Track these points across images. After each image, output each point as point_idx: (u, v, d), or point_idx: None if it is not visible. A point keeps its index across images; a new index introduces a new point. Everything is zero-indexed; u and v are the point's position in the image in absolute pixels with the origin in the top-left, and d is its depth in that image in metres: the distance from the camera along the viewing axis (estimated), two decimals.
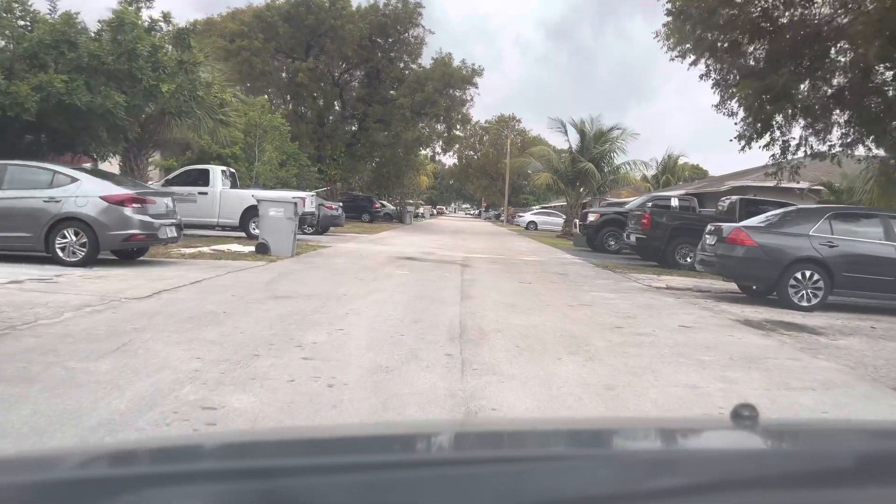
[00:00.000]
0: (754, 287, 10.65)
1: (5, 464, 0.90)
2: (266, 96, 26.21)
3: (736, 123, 14.06)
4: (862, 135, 13.53)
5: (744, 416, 1.03)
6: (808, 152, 14.56)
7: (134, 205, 9.54)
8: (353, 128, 34.49)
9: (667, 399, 4.42)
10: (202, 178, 17.78)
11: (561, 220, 44.37)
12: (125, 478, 0.83)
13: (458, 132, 37.44)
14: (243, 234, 17.10)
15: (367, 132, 33.53)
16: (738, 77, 12.99)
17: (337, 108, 35.02)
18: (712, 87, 14.55)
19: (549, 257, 18.43)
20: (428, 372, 4.73)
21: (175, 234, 10.48)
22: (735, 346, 6.41)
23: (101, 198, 9.39)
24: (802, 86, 11.97)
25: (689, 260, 16.28)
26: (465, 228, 41.08)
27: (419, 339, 5.84)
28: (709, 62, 13.42)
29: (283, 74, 30.33)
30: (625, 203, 34.85)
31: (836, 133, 13.57)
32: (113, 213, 9.40)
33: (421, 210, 63.76)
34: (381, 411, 3.82)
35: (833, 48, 12.38)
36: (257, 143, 25.30)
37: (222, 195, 17.46)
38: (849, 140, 13.87)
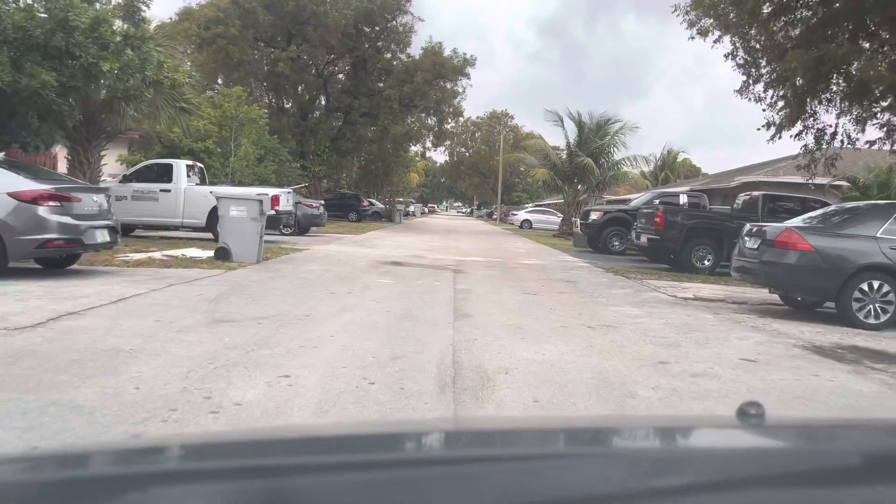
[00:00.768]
0: (799, 298, 8.99)
1: (9, 463, 0.91)
2: (241, 87, 24.26)
3: (764, 110, 12.40)
4: None
5: (750, 414, 1.03)
6: (846, 142, 12.89)
7: (51, 203, 7.74)
8: (339, 122, 32.60)
9: None
10: (165, 174, 15.93)
11: (557, 219, 42.78)
12: (130, 476, 0.82)
13: (449, 126, 35.61)
14: (210, 236, 15.30)
15: (353, 126, 31.63)
16: (772, 53, 11.29)
17: (322, 101, 33.13)
18: (737, 68, 12.84)
19: (550, 260, 16.73)
20: None
21: (109, 239, 8.69)
22: (834, 395, 4.70)
23: (10, 195, 7.59)
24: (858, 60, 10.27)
25: (706, 263, 14.67)
26: (458, 227, 39.34)
27: (395, 392, 4.11)
28: (735, 39, 11.73)
29: (264, 65, 28.32)
30: (625, 200, 33.27)
31: (883, 117, 11.86)
32: (24, 214, 7.60)
33: (411, 208, 61.97)
34: None
35: None
36: (233, 136, 23.47)
37: (187, 193, 15.63)
38: None
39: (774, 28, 10.94)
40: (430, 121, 33.77)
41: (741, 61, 12.05)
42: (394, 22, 30.42)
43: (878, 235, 7.79)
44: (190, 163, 16.65)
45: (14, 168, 8.09)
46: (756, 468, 0.88)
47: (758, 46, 11.69)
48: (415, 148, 42.09)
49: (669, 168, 46.28)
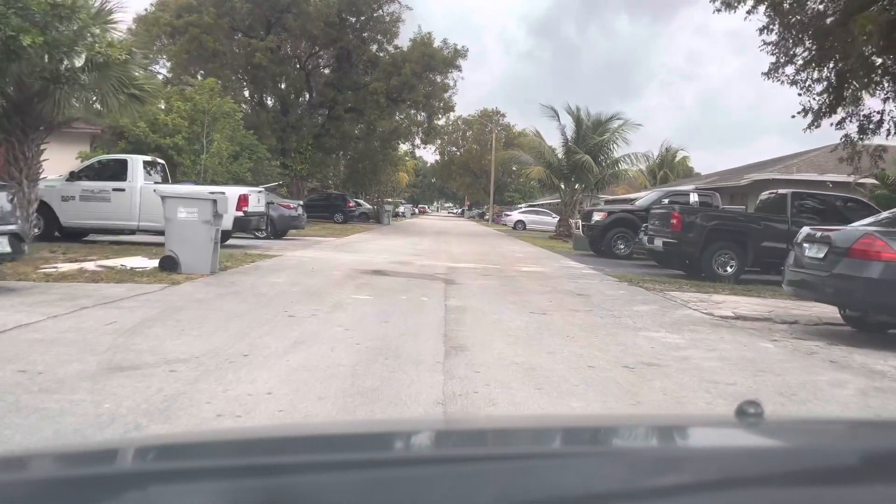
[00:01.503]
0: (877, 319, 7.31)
1: (8, 462, 0.90)
2: (216, 80, 22.43)
3: (799, 94, 10.75)
4: None
5: (748, 413, 1.02)
6: (893, 130, 11.26)
7: None
8: (322, 118, 30.75)
9: None
10: (119, 172, 14.15)
11: (552, 220, 41.17)
12: (129, 475, 0.83)
13: (439, 122, 33.83)
14: None
15: (338, 122, 29.77)
16: (814, 26, 9.64)
17: (305, 95, 31.27)
18: (765, 47, 11.19)
19: (552, 266, 15.04)
20: None
21: (10, 249, 6.92)
22: None
23: None
24: None
25: (729, 270, 13.03)
26: (449, 229, 37.62)
27: None
28: (770, 11, 10.08)
29: (241, 56, 26.38)
30: (625, 200, 31.73)
31: None
32: None
33: (401, 209, 60.20)
34: None
35: None
36: (205, 131, 21.66)
37: (144, 193, 13.81)
38: None
39: None
40: (419, 116, 31.99)
41: (777, 37, 10.40)
42: (380, 11, 28.62)
43: None
44: (148, 159, 14.86)
45: None
46: (754, 467, 0.87)
47: (795, 20, 10.05)
48: (404, 146, 40.30)
49: (668, 166, 44.70)
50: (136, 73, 13.15)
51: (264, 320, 6.32)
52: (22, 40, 8.96)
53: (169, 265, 9.16)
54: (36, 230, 12.45)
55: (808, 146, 33.11)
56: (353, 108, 29.73)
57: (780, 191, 13.86)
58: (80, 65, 10.57)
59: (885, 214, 7.53)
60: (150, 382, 4.02)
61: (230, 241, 15.73)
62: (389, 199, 48.22)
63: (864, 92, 10.54)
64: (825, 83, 10.25)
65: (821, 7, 9.65)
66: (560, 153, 30.46)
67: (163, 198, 9.38)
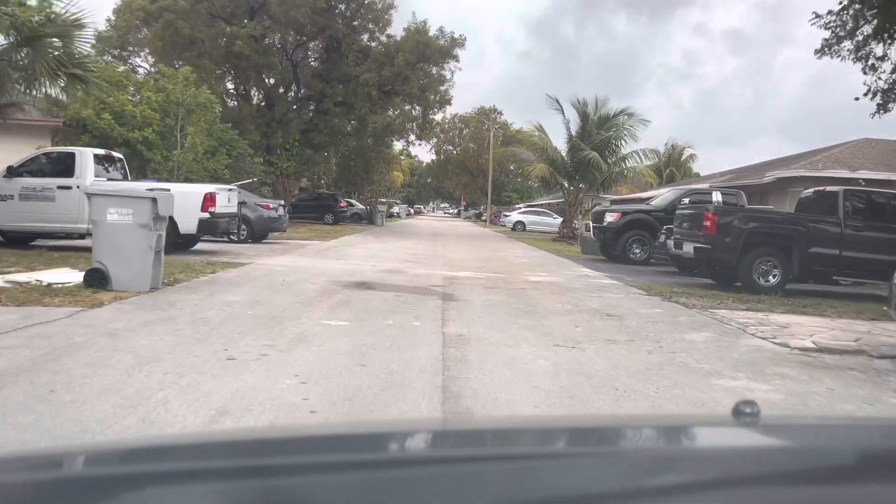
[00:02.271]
0: None
1: (7, 462, 0.89)
2: (191, 69, 20.52)
3: (865, 72, 8.95)
4: None
5: (745, 413, 1.03)
6: None
7: None
8: (310, 112, 28.80)
9: None
10: (66, 167, 12.25)
11: (553, 220, 39.42)
12: (128, 476, 0.82)
13: (435, 117, 31.91)
14: None
15: (326, 116, 27.81)
16: None
17: (292, 88, 29.33)
18: (817, 20, 9.37)
19: (564, 274, 13.20)
20: None
21: None
22: None
23: None
24: None
25: (771, 280, 11.22)
26: (445, 230, 35.76)
27: None
28: None
29: (221, 44, 24.33)
30: (634, 200, 29.97)
31: None
32: None
33: (396, 209, 58.31)
34: None
35: None
36: (178, 125, 19.78)
37: None
38: None
39: None
40: (413, 111, 30.05)
41: (838, 5, 8.62)
42: None
43: None
44: (101, 152, 12.94)
45: None
46: (751, 467, 0.88)
47: None
48: (398, 144, 38.39)
49: (675, 165, 42.87)
50: (83, 52, 11.33)
51: (189, 366, 4.46)
52: None
53: (96, 280, 7.30)
54: None
55: (809, 146, 31.33)
56: (343, 102, 27.80)
57: (829, 188, 12.05)
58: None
59: None
60: None
61: (199, 247, 13.89)
62: (383, 200, 46.30)
63: None
64: None
65: None
66: (564, 150, 28.67)
67: (88, 196, 7.50)
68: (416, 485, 0.75)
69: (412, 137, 32.56)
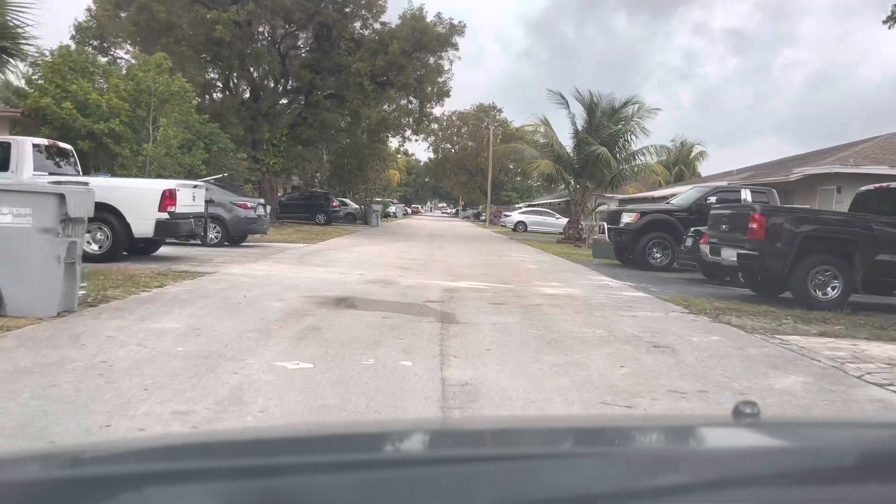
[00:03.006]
0: None
1: (7, 462, 0.88)
2: (165, 55, 18.74)
3: None
4: None
5: (745, 413, 1.02)
6: None
7: None
8: (300, 105, 26.99)
9: None
10: (1, 159, 10.49)
11: (556, 221, 37.73)
12: (127, 476, 0.80)
13: (433, 110, 30.08)
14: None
15: (316, 110, 25.99)
16: None
17: (281, 80, 27.50)
18: None
19: (581, 284, 11.45)
20: None
21: None
22: None
23: None
24: None
25: (830, 293, 9.50)
26: (443, 231, 34.00)
27: None
28: None
29: (201, 30, 22.51)
30: (644, 199, 28.30)
31: None
32: None
33: (392, 209, 56.55)
34: None
35: None
36: (150, 116, 17.99)
37: None
38: None
39: None
40: (409, 104, 28.24)
41: None
42: None
43: None
44: (44, 142, 11.17)
45: None
46: (751, 467, 0.87)
47: None
48: (394, 140, 36.58)
49: (683, 162, 41.14)
50: (18, 22, 9.57)
51: None
52: None
53: None
54: None
55: (809, 146, 29.71)
56: (335, 94, 26.01)
57: (893, 184, 10.31)
58: None
59: None
60: None
61: (163, 251, 12.13)
62: (378, 199, 44.52)
63: None
64: None
65: None
66: (569, 146, 26.94)
67: None
68: (415, 485, 0.75)
69: (408, 132, 30.71)
